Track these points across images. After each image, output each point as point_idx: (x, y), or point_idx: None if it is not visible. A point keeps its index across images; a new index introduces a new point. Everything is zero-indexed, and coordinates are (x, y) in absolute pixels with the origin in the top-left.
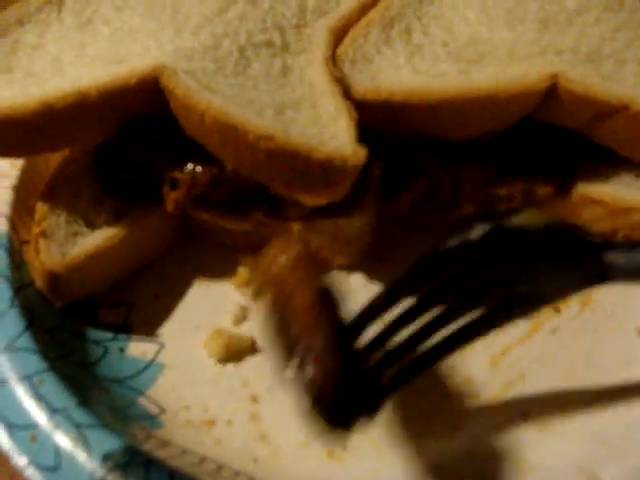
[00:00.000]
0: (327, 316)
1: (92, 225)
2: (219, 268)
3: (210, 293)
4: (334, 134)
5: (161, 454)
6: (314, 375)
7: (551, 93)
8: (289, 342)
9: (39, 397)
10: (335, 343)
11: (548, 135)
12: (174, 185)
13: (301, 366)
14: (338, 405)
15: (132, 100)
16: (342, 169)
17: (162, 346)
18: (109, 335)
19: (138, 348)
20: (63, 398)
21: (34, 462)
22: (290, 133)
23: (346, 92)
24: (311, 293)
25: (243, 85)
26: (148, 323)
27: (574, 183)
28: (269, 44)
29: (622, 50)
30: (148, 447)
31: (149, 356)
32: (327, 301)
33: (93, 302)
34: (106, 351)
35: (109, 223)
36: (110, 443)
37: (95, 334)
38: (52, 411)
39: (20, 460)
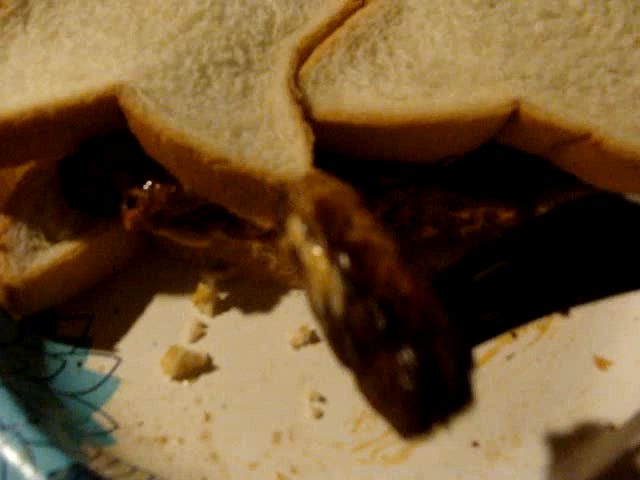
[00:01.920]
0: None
1: (53, 239)
2: (179, 284)
3: (169, 309)
4: (290, 156)
5: (109, 472)
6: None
7: (513, 118)
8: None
9: None
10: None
11: (511, 159)
12: (132, 203)
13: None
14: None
15: (90, 118)
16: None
17: (119, 361)
18: (68, 348)
19: (96, 362)
20: (13, 414)
21: None
22: (245, 156)
23: (307, 113)
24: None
25: (201, 105)
26: (107, 337)
27: (536, 208)
28: (232, 63)
29: (586, 77)
30: (97, 465)
31: (106, 371)
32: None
33: (53, 314)
34: (64, 365)
35: (70, 237)
36: (57, 461)
37: (53, 347)
38: (1, 427)
39: None
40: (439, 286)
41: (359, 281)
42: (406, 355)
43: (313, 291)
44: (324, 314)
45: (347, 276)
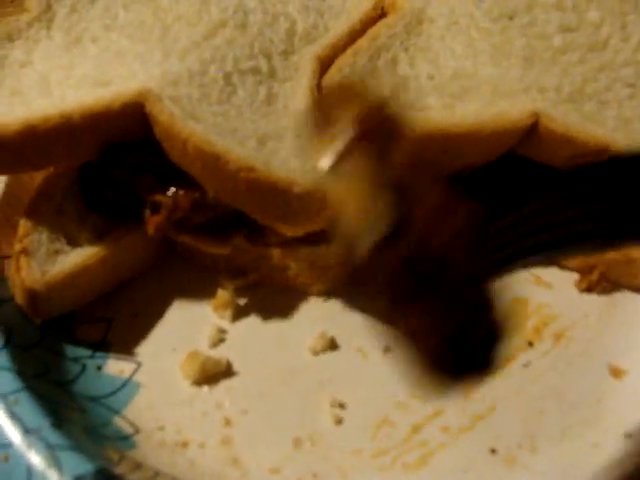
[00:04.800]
0: None
1: (74, 243)
2: (199, 289)
3: (188, 313)
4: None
5: (133, 477)
6: None
7: (532, 131)
8: None
9: (13, 416)
10: None
11: (528, 170)
12: (155, 209)
13: None
14: None
15: (116, 124)
16: (321, 202)
17: (139, 365)
18: (87, 352)
19: (115, 366)
20: (37, 418)
21: None
22: (271, 165)
23: None
24: None
25: (227, 113)
26: (126, 341)
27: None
28: (255, 71)
29: (604, 91)
30: (121, 469)
31: (126, 375)
32: None
33: (72, 318)
34: (84, 369)
35: (91, 241)
36: (82, 465)
37: (73, 351)
38: (25, 431)
39: None
40: None
41: None
42: None
43: None
44: None
45: None
